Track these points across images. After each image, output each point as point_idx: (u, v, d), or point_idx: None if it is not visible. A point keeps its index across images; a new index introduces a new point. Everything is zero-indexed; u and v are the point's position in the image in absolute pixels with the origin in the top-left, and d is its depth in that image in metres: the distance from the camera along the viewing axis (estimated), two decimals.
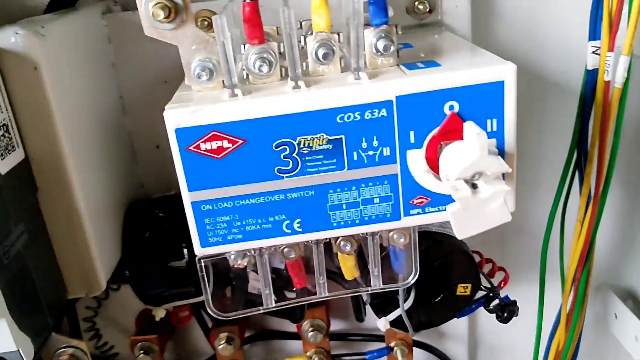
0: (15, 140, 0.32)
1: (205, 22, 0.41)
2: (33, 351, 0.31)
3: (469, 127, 0.27)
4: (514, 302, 0.43)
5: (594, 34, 0.40)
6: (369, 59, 0.31)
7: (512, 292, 0.45)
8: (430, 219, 0.32)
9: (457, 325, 0.53)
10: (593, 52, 0.40)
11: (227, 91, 0.30)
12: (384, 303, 0.42)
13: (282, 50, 0.31)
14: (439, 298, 0.41)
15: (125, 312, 0.50)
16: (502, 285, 0.44)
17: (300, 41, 0.31)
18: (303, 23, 0.38)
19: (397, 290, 0.39)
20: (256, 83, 0.31)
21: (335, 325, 0.53)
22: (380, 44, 0.30)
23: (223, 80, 0.31)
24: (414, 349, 0.50)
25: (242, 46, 0.31)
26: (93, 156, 0.38)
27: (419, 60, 0.32)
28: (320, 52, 0.31)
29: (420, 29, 0.43)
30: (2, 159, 0.31)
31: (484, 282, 0.44)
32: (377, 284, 0.35)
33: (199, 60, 0.31)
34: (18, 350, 0.30)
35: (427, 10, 0.43)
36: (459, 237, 0.28)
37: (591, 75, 0.41)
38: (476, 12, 0.44)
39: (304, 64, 0.31)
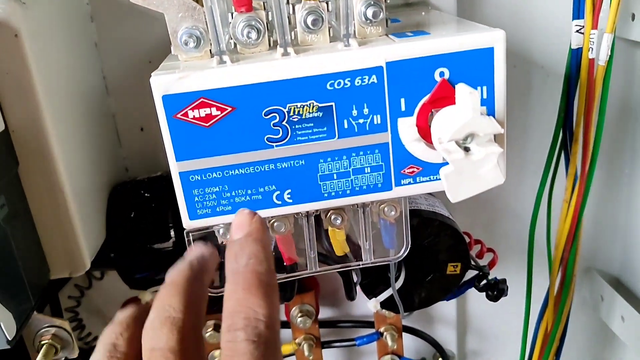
0: None
1: None
2: (15, 328, 0.29)
3: (461, 88, 0.27)
4: (504, 280, 0.43)
5: (578, 13, 0.40)
6: (358, 28, 0.31)
7: (501, 274, 0.45)
8: (421, 188, 0.32)
9: (446, 310, 0.53)
10: (577, 31, 0.41)
11: (215, 58, 0.29)
12: (374, 283, 0.41)
13: (269, 19, 0.30)
14: (430, 277, 0.41)
15: (110, 301, 0.49)
16: (490, 267, 0.44)
17: (288, 11, 0.31)
18: None
19: (388, 269, 0.39)
20: (244, 52, 0.31)
21: (325, 313, 0.53)
22: (370, 12, 0.30)
23: (210, 50, 0.30)
24: (403, 334, 0.49)
25: (229, 15, 0.30)
26: (76, 134, 0.37)
27: (408, 30, 0.32)
28: (310, 19, 0.30)
29: (406, 8, 0.43)
30: None
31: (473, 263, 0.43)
32: (368, 258, 0.35)
33: (186, 28, 0.30)
34: None
35: None
36: (453, 201, 0.28)
37: (575, 54, 0.41)
38: None
39: (293, 34, 0.31)
